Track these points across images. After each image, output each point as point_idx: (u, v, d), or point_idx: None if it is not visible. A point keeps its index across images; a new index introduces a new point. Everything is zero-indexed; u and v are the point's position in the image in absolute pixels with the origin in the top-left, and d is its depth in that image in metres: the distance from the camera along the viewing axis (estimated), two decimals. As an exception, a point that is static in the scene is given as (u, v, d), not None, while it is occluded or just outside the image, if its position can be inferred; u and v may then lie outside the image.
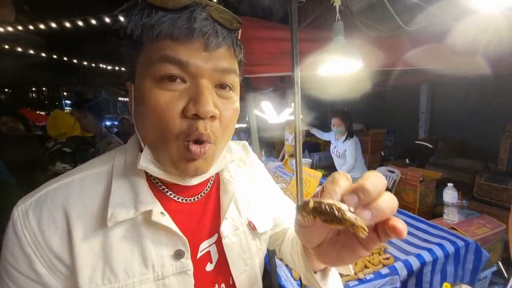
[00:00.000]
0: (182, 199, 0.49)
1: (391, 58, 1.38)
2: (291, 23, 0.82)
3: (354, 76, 1.30)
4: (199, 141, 0.40)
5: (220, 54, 0.41)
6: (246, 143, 0.65)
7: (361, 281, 1.23)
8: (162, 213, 0.43)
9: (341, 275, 1.39)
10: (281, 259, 1.38)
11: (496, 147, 3.51)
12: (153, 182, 0.47)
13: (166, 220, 0.43)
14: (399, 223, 0.26)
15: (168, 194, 0.48)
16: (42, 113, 9.47)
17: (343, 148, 2.66)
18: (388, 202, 0.27)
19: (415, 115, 5.19)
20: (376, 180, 0.27)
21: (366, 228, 0.25)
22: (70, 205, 0.41)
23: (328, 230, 0.33)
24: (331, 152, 2.95)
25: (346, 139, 2.66)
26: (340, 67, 1.15)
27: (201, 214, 0.51)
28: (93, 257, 0.40)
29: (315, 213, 0.26)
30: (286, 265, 1.40)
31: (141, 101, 0.40)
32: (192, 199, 0.50)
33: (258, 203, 0.60)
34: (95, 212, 0.42)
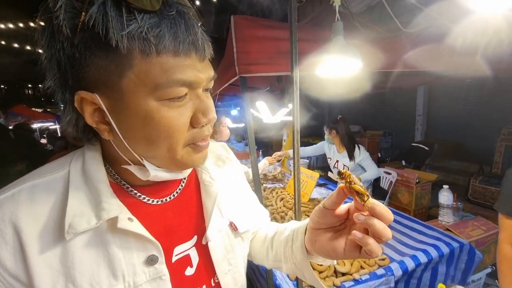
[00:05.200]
0: (152, 201, 0.46)
1: (390, 59, 1.39)
2: (291, 23, 0.81)
3: (352, 77, 1.30)
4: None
5: (207, 63, 0.41)
6: (225, 144, 0.66)
7: (357, 281, 1.23)
8: (129, 218, 0.41)
9: (337, 275, 1.38)
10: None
11: (491, 150, 3.55)
12: (120, 186, 0.45)
13: (135, 226, 0.40)
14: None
15: (137, 196, 0.45)
16: (38, 110, 9.40)
17: (352, 163, 2.39)
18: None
19: (411, 117, 5.23)
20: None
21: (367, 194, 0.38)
22: (19, 219, 0.36)
23: (335, 219, 0.44)
24: (331, 167, 2.65)
25: (353, 152, 2.35)
26: (339, 68, 1.14)
27: (174, 216, 0.48)
28: (52, 274, 0.37)
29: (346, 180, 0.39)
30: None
31: (139, 119, 0.37)
32: (163, 200, 0.48)
33: (237, 202, 0.60)
34: (50, 224, 0.38)
